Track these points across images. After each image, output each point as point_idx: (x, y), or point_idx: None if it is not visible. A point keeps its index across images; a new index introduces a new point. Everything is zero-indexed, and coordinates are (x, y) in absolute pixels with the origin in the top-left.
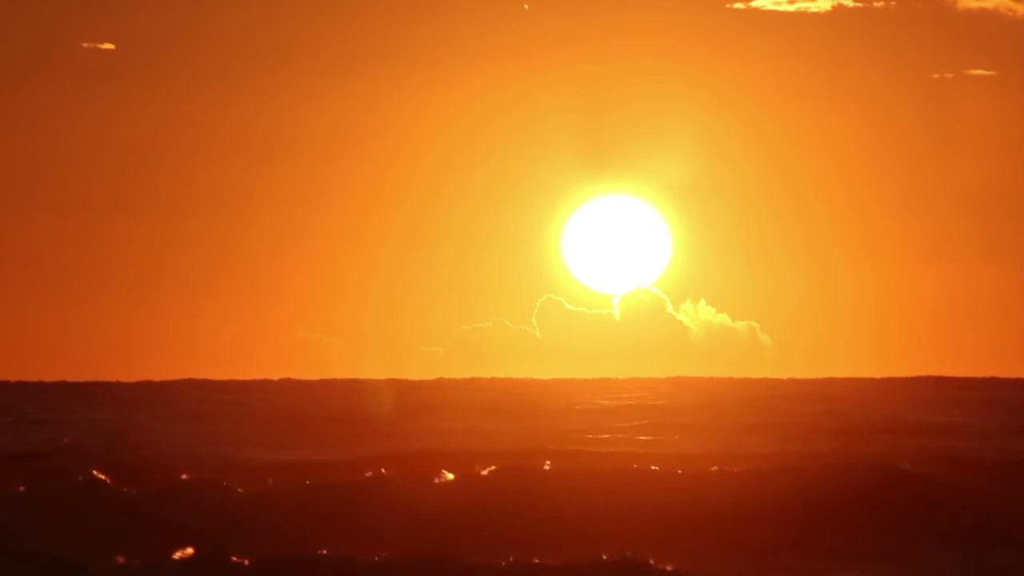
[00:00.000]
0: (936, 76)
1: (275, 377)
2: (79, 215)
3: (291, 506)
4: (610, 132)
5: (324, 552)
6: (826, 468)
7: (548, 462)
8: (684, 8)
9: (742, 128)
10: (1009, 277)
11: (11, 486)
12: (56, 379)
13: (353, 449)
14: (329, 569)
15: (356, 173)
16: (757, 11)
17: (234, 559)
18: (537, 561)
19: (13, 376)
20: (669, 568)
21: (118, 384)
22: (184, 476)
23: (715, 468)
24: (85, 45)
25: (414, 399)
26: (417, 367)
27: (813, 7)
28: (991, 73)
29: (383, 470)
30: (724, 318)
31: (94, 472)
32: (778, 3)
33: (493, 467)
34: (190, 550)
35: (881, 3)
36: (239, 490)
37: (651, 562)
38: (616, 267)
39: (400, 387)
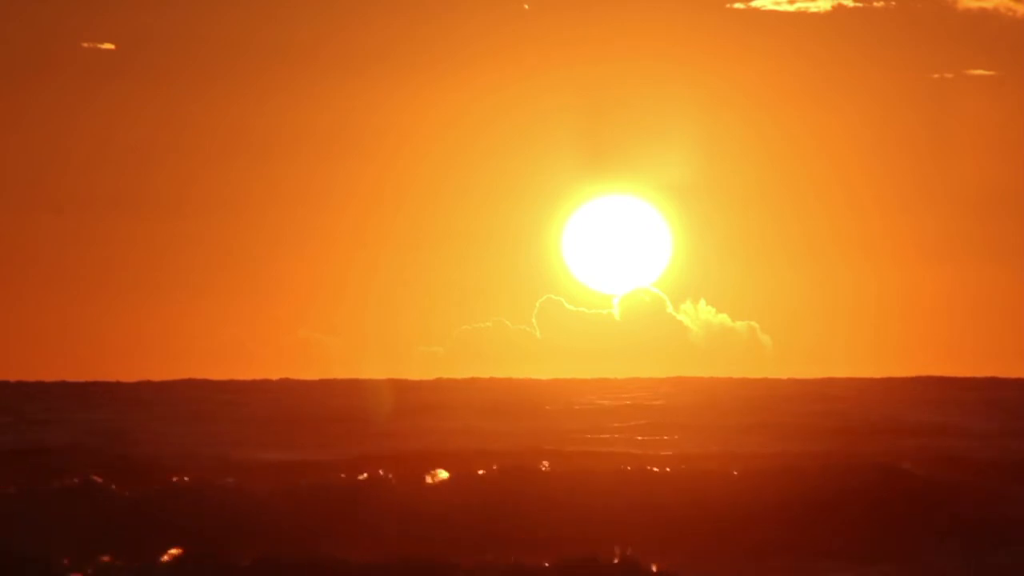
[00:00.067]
0: (936, 76)
1: (274, 377)
2: (79, 215)
3: (288, 506)
4: (610, 132)
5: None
6: (826, 468)
7: (545, 462)
8: (684, 8)
9: (742, 128)
10: (1009, 277)
11: (8, 486)
12: (56, 379)
13: (351, 449)
14: (324, 571)
15: (356, 173)
16: (757, 11)
17: (231, 560)
18: (531, 563)
19: (13, 376)
20: (657, 568)
21: (118, 384)
22: (182, 476)
23: (713, 468)
24: (85, 45)
25: (413, 399)
26: (417, 367)
27: (813, 7)
28: (991, 73)
29: (380, 470)
30: (724, 318)
31: (92, 472)
32: (778, 3)
33: (490, 468)
34: (187, 550)
35: (881, 3)
36: (237, 490)
37: (650, 565)
38: (616, 267)
39: (400, 387)
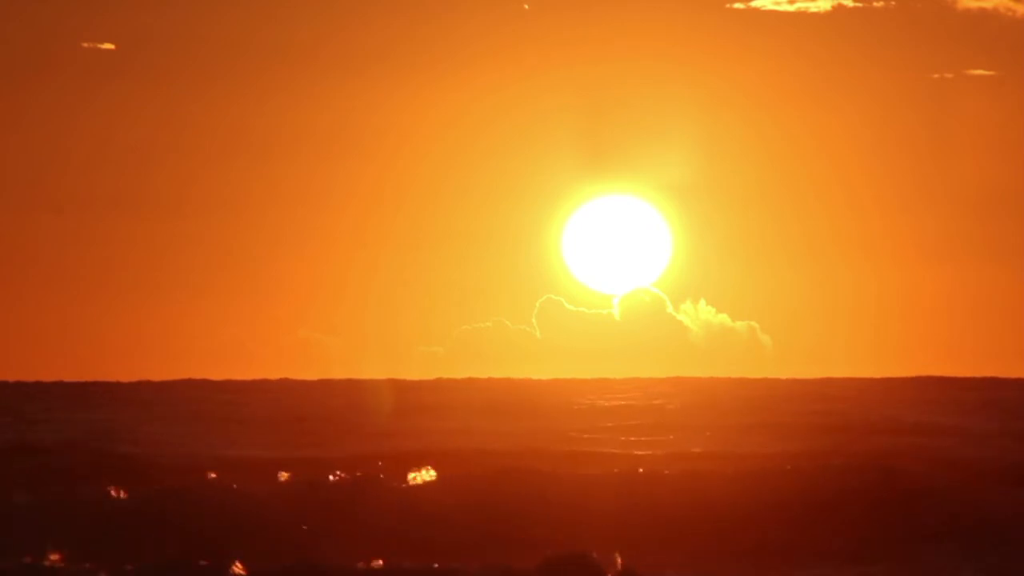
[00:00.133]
0: (936, 76)
1: (274, 377)
2: (79, 215)
3: (284, 506)
4: (610, 132)
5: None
6: (823, 469)
7: (540, 463)
8: (684, 8)
9: (742, 128)
10: (1009, 277)
11: (6, 487)
12: (55, 379)
13: (347, 449)
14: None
15: (356, 173)
16: (757, 11)
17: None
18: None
19: (12, 376)
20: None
21: (117, 384)
22: (180, 476)
23: (710, 469)
24: (85, 45)
25: (411, 399)
26: (417, 367)
27: (813, 7)
28: (991, 73)
29: (377, 470)
30: (724, 318)
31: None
32: (778, 3)
33: (485, 468)
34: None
35: (881, 3)
36: (235, 490)
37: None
38: (616, 267)
39: (398, 387)
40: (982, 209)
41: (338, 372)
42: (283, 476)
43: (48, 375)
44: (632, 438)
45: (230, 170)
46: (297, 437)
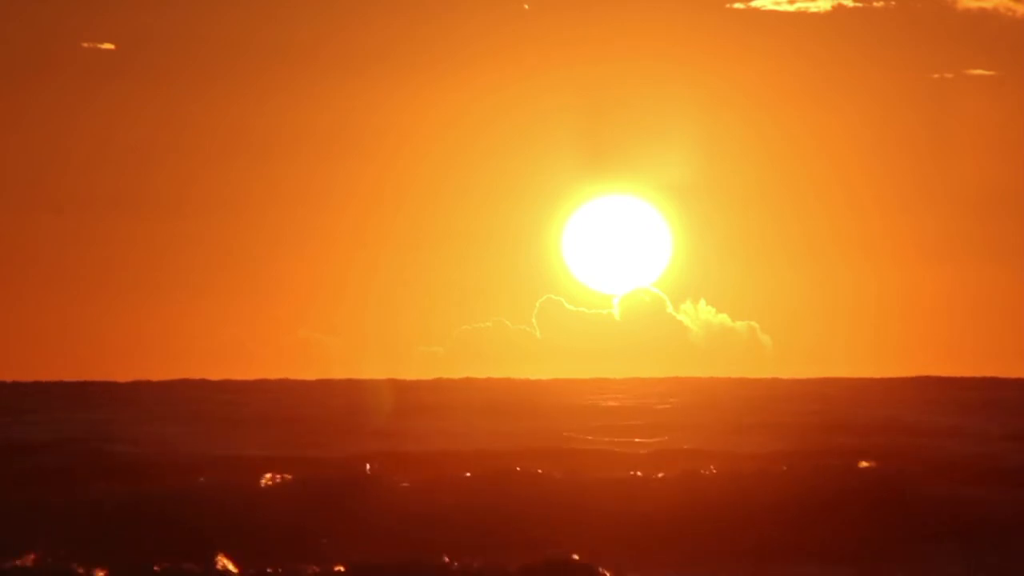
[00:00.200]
0: (936, 76)
1: (273, 377)
2: (79, 215)
3: (282, 506)
4: (610, 132)
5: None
6: (825, 469)
7: (536, 464)
8: (684, 8)
9: (742, 128)
10: (1009, 277)
11: (5, 487)
12: (55, 379)
13: (344, 449)
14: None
15: (356, 173)
16: (757, 11)
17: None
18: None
19: (12, 376)
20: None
21: (117, 384)
22: (179, 476)
23: (708, 470)
24: (85, 45)
25: (410, 399)
26: (417, 367)
27: (813, 7)
28: (991, 73)
29: (374, 470)
30: (724, 318)
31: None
32: (778, 3)
33: (481, 469)
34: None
35: (881, 3)
36: (233, 490)
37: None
38: (616, 267)
39: (397, 387)
40: (982, 209)
41: (338, 372)
42: (281, 476)
43: (49, 375)
44: (627, 439)
45: (230, 170)
46: (296, 437)
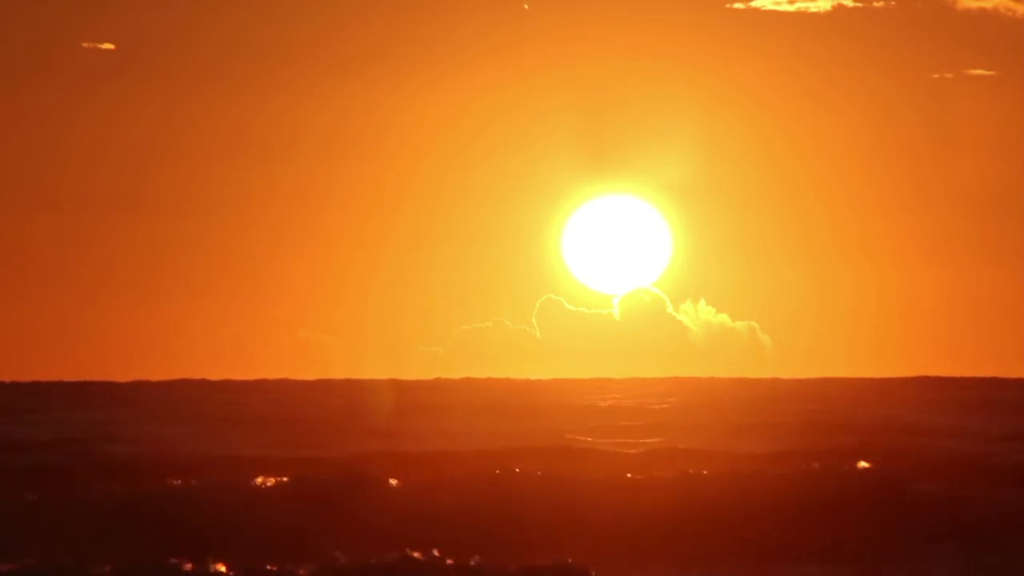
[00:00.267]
0: (936, 76)
1: (273, 377)
2: (79, 215)
3: (280, 506)
4: (610, 132)
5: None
6: (824, 469)
7: (535, 464)
8: (684, 8)
9: (742, 128)
10: (1009, 277)
11: (4, 487)
12: (55, 379)
13: (343, 449)
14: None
15: (356, 173)
16: (757, 11)
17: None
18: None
19: (12, 376)
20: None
21: (116, 384)
22: (178, 476)
23: (707, 471)
24: (85, 45)
25: (410, 399)
26: (417, 367)
27: (813, 7)
28: (991, 73)
29: (371, 470)
30: (724, 318)
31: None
32: (778, 3)
33: (478, 469)
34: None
35: (881, 3)
36: (232, 489)
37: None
38: (616, 267)
39: (397, 387)
40: (982, 209)
41: (338, 372)
42: (281, 476)
43: (47, 375)
44: (626, 439)
45: (230, 170)
46: (296, 437)
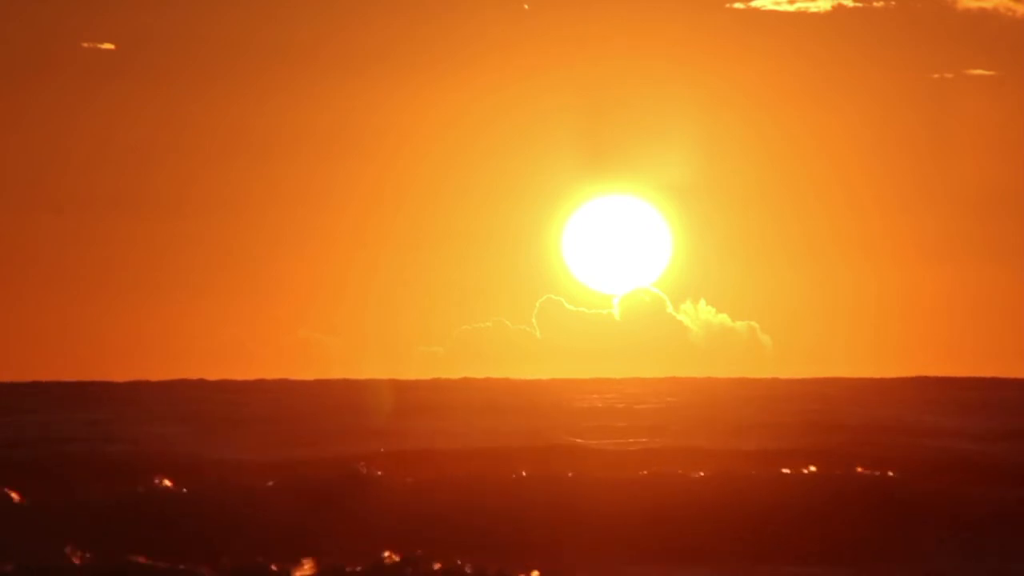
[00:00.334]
0: (936, 76)
1: (272, 377)
2: (79, 215)
3: (280, 506)
4: (610, 132)
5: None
6: (824, 469)
7: (535, 464)
8: (684, 8)
9: (742, 128)
10: (1009, 277)
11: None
12: (55, 379)
13: (343, 449)
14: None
15: (356, 173)
16: (757, 11)
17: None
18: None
19: (11, 376)
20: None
21: (115, 384)
22: (177, 476)
23: (706, 472)
24: (85, 45)
25: (410, 399)
26: (417, 367)
27: (813, 7)
28: (991, 73)
29: (371, 470)
30: (724, 318)
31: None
32: (778, 3)
33: (477, 468)
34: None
35: (881, 3)
36: (231, 489)
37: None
38: (616, 267)
39: (396, 387)
40: (982, 209)
41: (337, 372)
42: (281, 476)
43: (48, 375)
44: (625, 439)
45: (230, 170)
46: (295, 437)
